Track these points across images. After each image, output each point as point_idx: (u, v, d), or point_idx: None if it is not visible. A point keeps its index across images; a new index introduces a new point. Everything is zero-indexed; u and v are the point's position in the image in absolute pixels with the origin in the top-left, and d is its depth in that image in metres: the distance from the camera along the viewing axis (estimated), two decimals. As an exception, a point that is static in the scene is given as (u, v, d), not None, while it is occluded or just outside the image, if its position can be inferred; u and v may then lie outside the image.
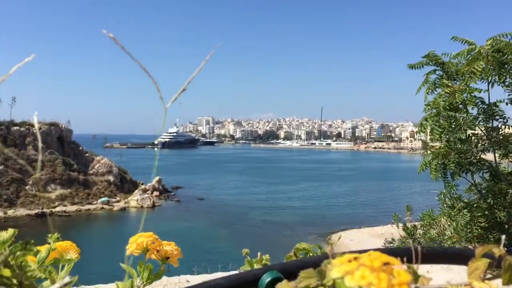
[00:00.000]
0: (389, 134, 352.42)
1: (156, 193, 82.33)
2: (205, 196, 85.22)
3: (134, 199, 74.86)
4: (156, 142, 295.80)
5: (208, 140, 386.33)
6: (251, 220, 64.48)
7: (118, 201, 74.96)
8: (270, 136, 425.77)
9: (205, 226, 59.98)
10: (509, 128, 6.32)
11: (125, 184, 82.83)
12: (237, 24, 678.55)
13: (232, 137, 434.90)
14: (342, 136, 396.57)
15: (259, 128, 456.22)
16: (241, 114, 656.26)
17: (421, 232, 7.78)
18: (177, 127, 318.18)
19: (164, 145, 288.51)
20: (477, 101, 5.79)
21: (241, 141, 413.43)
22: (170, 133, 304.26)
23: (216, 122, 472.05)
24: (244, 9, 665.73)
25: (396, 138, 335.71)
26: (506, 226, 5.79)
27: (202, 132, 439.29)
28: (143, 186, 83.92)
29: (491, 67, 5.55)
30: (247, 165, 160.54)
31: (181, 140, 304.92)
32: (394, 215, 7.81)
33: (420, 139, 6.35)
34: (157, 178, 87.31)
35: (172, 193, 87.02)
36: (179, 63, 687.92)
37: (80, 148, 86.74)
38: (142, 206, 72.60)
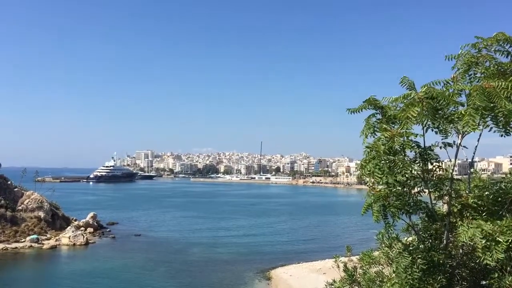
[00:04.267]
0: (326, 169, 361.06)
1: (90, 229, 78.86)
2: (142, 232, 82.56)
3: (66, 236, 71.14)
4: (91, 176, 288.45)
5: (147, 174, 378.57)
6: (190, 257, 62.96)
7: (48, 239, 70.87)
8: (210, 170, 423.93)
9: (142, 264, 57.84)
10: (442, 171, 6.61)
11: (56, 221, 78.69)
12: (177, 59, 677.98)
13: (172, 171, 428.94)
14: (281, 170, 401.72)
15: (199, 162, 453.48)
16: (180, 148, 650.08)
17: (361, 272, 7.86)
18: (114, 161, 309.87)
19: (100, 179, 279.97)
20: (414, 145, 6.02)
21: (180, 175, 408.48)
22: (106, 166, 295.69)
23: (155, 156, 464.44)
24: (183, 46, 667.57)
25: (332, 173, 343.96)
26: (443, 268, 5.94)
27: (141, 166, 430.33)
28: (76, 222, 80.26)
29: (426, 113, 5.80)
30: (187, 200, 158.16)
31: (118, 174, 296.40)
32: (335, 256, 7.85)
33: (359, 176, 6.41)
34: (91, 214, 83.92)
35: (108, 230, 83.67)
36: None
37: (9, 182, 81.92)
38: (74, 244, 69.12)
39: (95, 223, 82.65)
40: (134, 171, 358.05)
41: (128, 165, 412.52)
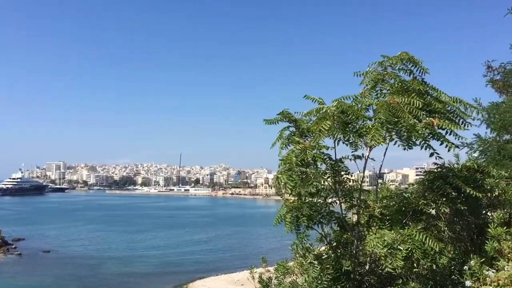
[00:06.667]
0: (246, 180, 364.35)
1: (-7, 246, 73.46)
2: (52, 248, 78.13)
3: (-35, 255, 65.75)
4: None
5: (58, 186, 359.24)
6: (104, 272, 60.53)
7: None
8: (127, 182, 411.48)
9: (51, 282, 54.71)
10: (352, 182, 6.90)
11: (-46, 238, 72.51)
12: (90, 67, 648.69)
13: (86, 183, 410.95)
14: (201, 182, 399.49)
15: (115, 174, 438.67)
16: (96, 159, 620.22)
17: (276, 282, 7.96)
18: (22, 172, 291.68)
19: (6, 192, 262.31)
20: (325, 157, 6.23)
21: (95, 188, 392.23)
22: (13, 178, 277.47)
23: (68, 167, 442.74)
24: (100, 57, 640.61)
25: (252, 184, 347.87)
26: (352, 276, 6.17)
27: (52, 178, 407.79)
28: (-23, 239, 74.39)
29: (337, 126, 6.04)
30: (101, 213, 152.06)
31: (26, 186, 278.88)
32: (251, 267, 7.90)
33: (274, 187, 6.54)
34: (-5, 230, 78.34)
35: (13, 246, 78.39)
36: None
37: None
38: (-26, 263, 63.97)
39: (-1, 240, 77.21)
40: (44, 184, 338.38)
41: (37, 177, 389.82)
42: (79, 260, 68.32)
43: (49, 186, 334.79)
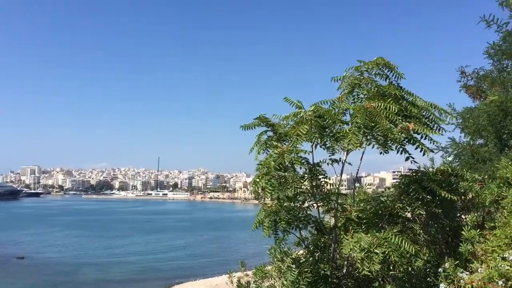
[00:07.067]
0: (224, 184, 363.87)
1: (-36, 253, 71.55)
2: (26, 254, 76.38)
3: None
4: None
5: (33, 191, 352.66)
6: (81, 278, 59.42)
7: None
8: (104, 186, 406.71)
9: (25, 289, 53.55)
10: (330, 186, 6.95)
11: None
12: (64, 70, 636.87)
13: (61, 187, 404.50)
14: (179, 186, 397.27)
15: (92, 178, 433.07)
16: (71, 164, 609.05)
17: (254, 287, 7.96)
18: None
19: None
20: (303, 161, 6.27)
21: (71, 192, 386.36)
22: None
23: (43, 171, 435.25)
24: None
25: (230, 188, 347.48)
26: (330, 279, 6.20)
27: (26, 183, 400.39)
28: None
29: (314, 131, 6.09)
30: (78, 218, 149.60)
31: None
32: (229, 271, 7.89)
33: (252, 191, 6.55)
34: (-34, 236, 76.34)
35: (-15, 253, 76.50)
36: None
37: None
38: None
39: (-29, 246, 75.21)
40: (19, 188, 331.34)
41: (11, 181, 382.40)
42: (54, 267, 66.97)
43: (23, 191, 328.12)
